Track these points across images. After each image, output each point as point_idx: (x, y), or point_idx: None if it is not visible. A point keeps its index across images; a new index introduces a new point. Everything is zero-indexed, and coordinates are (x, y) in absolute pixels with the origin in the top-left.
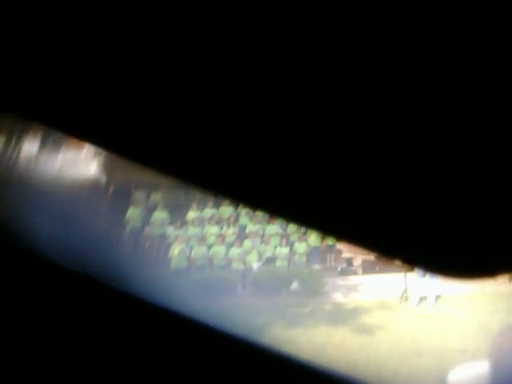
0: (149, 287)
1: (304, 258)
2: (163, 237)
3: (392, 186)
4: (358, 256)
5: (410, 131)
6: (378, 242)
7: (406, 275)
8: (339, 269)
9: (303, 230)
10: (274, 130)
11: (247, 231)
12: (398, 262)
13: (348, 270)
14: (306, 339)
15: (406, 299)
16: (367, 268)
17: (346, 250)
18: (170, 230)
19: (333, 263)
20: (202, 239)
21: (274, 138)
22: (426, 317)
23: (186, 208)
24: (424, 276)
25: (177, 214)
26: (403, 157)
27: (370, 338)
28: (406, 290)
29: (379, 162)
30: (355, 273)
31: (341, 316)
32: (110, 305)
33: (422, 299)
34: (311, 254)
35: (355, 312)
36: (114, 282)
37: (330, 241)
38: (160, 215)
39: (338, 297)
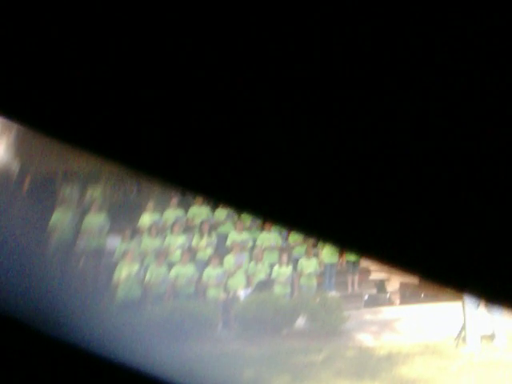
0: (84, 332)
1: (314, 282)
2: (104, 252)
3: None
4: (394, 278)
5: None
6: (419, 258)
7: (464, 305)
8: (366, 297)
9: (312, 240)
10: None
11: (229, 242)
12: (450, 288)
13: (379, 298)
14: None
15: (465, 340)
16: (407, 295)
17: (375, 269)
18: (115, 243)
19: (357, 289)
20: (163, 255)
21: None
22: (494, 365)
23: (138, 209)
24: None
25: (124, 217)
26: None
27: None
28: (464, 327)
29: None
30: (390, 302)
31: (369, 366)
32: (37, 356)
33: (486, 339)
34: (325, 275)
35: (390, 360)
36: (36, 324)
37: (351, 256)
38: (96, 220)
39: (365, 338)
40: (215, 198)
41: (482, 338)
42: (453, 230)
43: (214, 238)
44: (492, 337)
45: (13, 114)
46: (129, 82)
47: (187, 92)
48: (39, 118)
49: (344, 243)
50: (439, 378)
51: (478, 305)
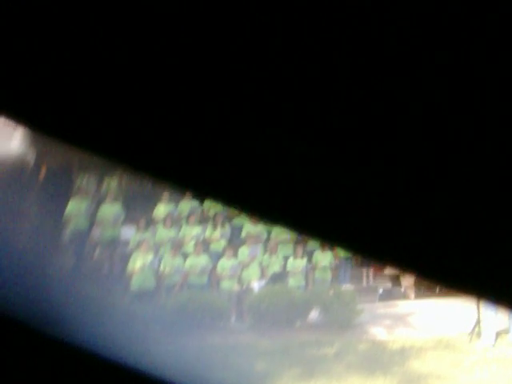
0: (96, 324)
1: (329, 275)
2: (119, 242)
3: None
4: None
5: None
6: (432, 263)
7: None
8: (381, 291)
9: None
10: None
11: (244, 234)
12: (463, 293)
13: (394, 292)
14: None
15: (479, 335)
16: (422, 290)
17: None
18: (130, 233)
19: (371, 282)
20: (177, 246)
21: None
22: (509, 360)
23: (153, 200)
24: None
25: (139, 208)
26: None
27: None
28: (478, 322)
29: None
30: (405, 297)
31: (382, 361)
32: (45, 355)
33: (500, 334)
34: (340, 268)
35: (403, 355)
36: (48, 323)
37: None
38: (111, 209)
39: (379, 332)
40: (221, 198)
41: (497, 333)
42: (466, 234)
43: (227, 230)
44: (506, 332)
45: (12, 114)
46: (131, 83)
47: (193, 93)
48: (40, 118)
49: (355, 247)
50: (452, 373)
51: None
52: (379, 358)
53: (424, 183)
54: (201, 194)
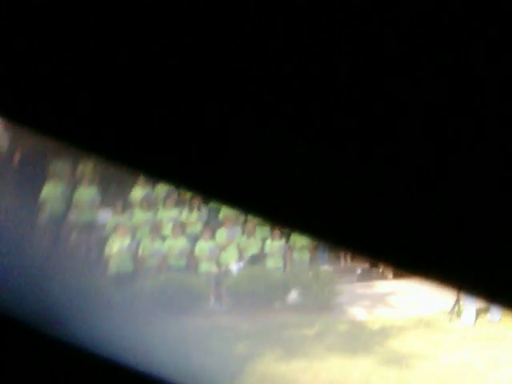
0: (75, 306)
1: (307, 255)
2: (96, 226)
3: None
4: None
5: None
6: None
7: None
8: (359, 271)
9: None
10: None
11: (221, 216)
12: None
13: (372, 272)
14: (311, 376)
15: (459, 314)
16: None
17: None
18: (107, 216)
19: (349, 263)
20: (155, 229)
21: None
22: (489, 339)
23: (129, 183)
24: None
25: (116, 191)
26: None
27: (405, 373)
28: (458, 301)
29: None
30: (383, 277)
31: (362, 341)
32: (23, 346)
33: (480, 313)
34: (318, 248)
35: (383, 334)
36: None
37: None
38: (88, 193)
39: (358, 312)
40: (220, 199)
41: (477, 312)
42: (466, 234)
43: (204, 212)
44: (486, 311)
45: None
46: (131, 83)
47: (188, 91)
48: (39, 118)
49: (340, 243)
50: (433, 352)
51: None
52: (359, 338)
53: (424, 183)
54: (201, 194)
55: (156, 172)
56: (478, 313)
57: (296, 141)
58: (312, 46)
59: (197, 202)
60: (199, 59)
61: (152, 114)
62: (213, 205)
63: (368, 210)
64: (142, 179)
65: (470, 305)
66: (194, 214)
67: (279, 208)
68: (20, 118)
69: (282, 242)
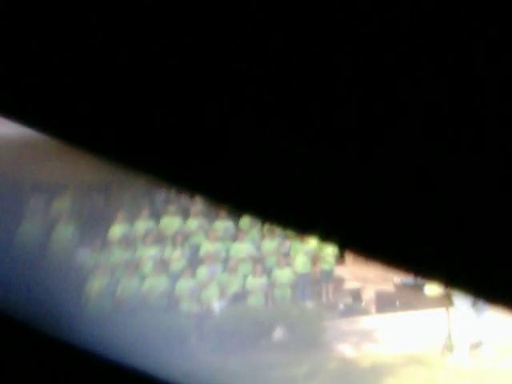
0: (54, 344)
1: (288, 292)
2: (73, 265)
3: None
4: (369, 285)
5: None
6: (399, 251)
7: (448, 311)
8: (341, 306)
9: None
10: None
11: (202, 253)
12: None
13: (355, 307)
14: None
15: (450, 349)
16: (383, 303)
17: (350, 278)
18: (85, 255)
19: (331, 298)
20: (134, 267)
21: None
22: (483, 375)
23: (107, 219)
24: (473, 307)
25: (94, 229)
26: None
27: None
28: (449, 336)
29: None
30: (366, 311)
31: (355, 379)
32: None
33: (474, 347)
34: (298, 284)
35: (376, 372)
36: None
37: (325, 264)
38: (66, 231)
39: (346, 349)
40: (220, 199)
41: (469, 346)
42: (466, 234)
43: (187, 249)
44: (479, 345)
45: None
46: (131, 83)
47: (187, 91)
48: (41, 118)
49: (327, 236)
50: None
51: (466, 311)
52: (351, 377)
53: (424, 183)
54: (201, 194)
55: (156, 172)
56: (471, 347)
57: (296, 141)
58: (312, 46)
59: (180, 238)
60: (199, 59)
61: (152, 115)
62: (193, 241)
63: (368, 210)
64: (120, 216)
65: (462, 339)
66: (178, 251)
67: (279, 208)
68: (20, 117)
69: (263, 278)
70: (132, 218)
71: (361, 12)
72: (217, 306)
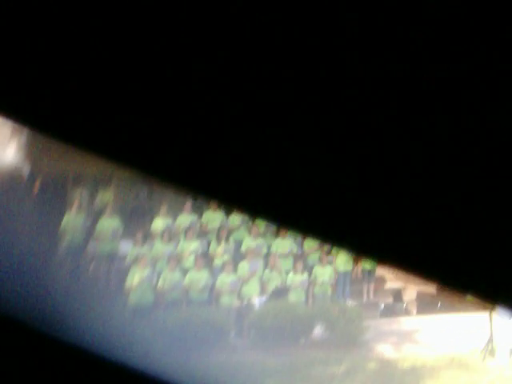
0: (96, 336)
1: (329, 290)
2: (116, 257)
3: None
4: (411, 287)
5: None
6: (440, 263)
7: (490, 315)
8: (382, 306)
9: (327, 245)
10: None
11: (244, 249)
12: (471, 297)
13: (396, 307)
14: None
15: (492, 353)
16: (424, 305)
17: (391, 278)
18: (127, 247)
19: (372, 298)
20: (176, 261)
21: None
22: None
23: (150, 213)
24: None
25: (136, 222)
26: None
27: None
28: (491, 340)
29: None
30: (407, 312)
31: (394, 380)
32: (44, 359)
33: (509, 352)
34: (339, 283)
35: (416, 374)
36: (45, 326)
37: (367, 264)
38: (110, 223)
39: (386, 349)
40: (228, 202)
41: (505, 351)
42: (466, 234)
43: (231, 244)
44: None
45: (15, 115)
46: (132, 84)
47: (198, 97)
48: (46, 120)
49: (359, 249)
50: None
51: (509, 315)
52: (391, 378)
53: (424, 183)
54: (201, 194)
55: (156, 172)
56: None
57: (296, 141)
58: (312, 47)
59: (224, 233)
60: (199, 60)
61: (152, 115)
62: (235, 237)
63: (368, 210)
64: (163, 210)
65: (504, 343)
66: (222, 246)
67: (279, 207)
68: (22, 119)
69: (305, 275)
70: (175, 212)
71: (360, 12)
72: (257, 301)
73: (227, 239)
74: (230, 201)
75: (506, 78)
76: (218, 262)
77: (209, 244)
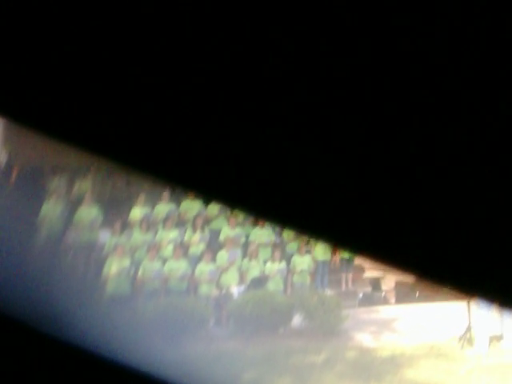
0: (74, 327)
1: (307, 279)
2: (94, 246)
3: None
4: (389, 276)
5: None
6: (416, 255)
7: (468, 305)
8: (361, 295)
9: (306, 237)
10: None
11: (222, 238)
12: (447, 288)
13: (374, 296)
14: None
15: (471, 342)
16: (403, 294)
17: (370, 267)
18: (106, 236)
19: (351, 287)
20: (154, 250)
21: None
22: (504, 368)
23: (128, 202)
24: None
25: (114, 211)
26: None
27: None
28: (469, 329)
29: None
30: (385, 301)
31: (373, 369)
32: (20, 349)
33: (493, 340)
34: (318, 272)
35: (394, 363)
36: (21, 314)
37: (345, 253)
38: (88, 213)
39: (365, 338)
40: (208, 194)
41: (490, 340)
42: (466, 234)
43: (206, 233)
44: (499, 339)
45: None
46: (132, 83)
47: (183, 86)
48: (30, 113)
49: (338, 241)
50: (449, 381)
51: (489, 306)
52: (370, 366)
53: (424, 183)
54: (201, 194)
55: (156, 172)
56: (491, 340)
57: (296, 141)
58: (312, 47)
59: (200, 222)
60: (200, 60)
61: (153, 114)
62: (214, 226)
63: (368, 210)
64: (141, 199)
65: (483, 332)
66: (197, 235)
67: (279, 207)
68: (18, 117)
69: (283, 264)
70: (153, 201)
71: (360, 13)
72: (236, 290)
73: (203, 228)
74: (228, 201)
75: (506, 77)
76: (194, 250)
77: (185, 233)
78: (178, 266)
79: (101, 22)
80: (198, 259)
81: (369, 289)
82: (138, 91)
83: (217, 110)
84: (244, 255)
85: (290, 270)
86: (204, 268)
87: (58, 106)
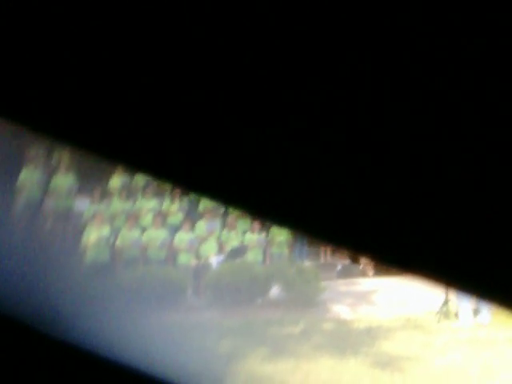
0: (52, 294)
1: (286, 250)
2: (72, 214)
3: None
4: None
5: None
6: (416, 255)
7: None
8: (339, 267)
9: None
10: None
11: (201, 208)
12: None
13: (352, 269)
14: (301, 378)
15: (447, 315)
16: (380, 267)
17: None
18: (84, 205)
19: (329, 258)
20: (134, 219)
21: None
22: (480, 342)
23: (107, 172)
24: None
25: (93, 179)
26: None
27: (397, 376)
28: (446, 302)
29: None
30: (364, 274)
31: (350, 341)
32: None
33: (471, 314)
34: (296, 243)
35: (370, 335)
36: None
37: None
38: (65, 180)
39: (342, 310)
40: (207, 194)
41: (467, 313)
42: (466, 234)
43: (185, 203)
44: (476, 312)
45: None
46: (130, 82)
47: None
48: (30, 113)
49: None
50: (424, 354)
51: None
52: (347, 338)
53: (424, 183)
54: (201, 194)
55: (155, 171)
56: (468, 314)
57: (296, 141)
58: (312, 46)
59: (178, 192)
60: (200, 60)
61: (152, 114)
62: (193, 196)
63: (368, 210)
64: (120, 168)
65: (460, 306)
66: (176, 204)
67: (279, 207)
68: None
69: (262, 235)
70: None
71: (360, 13)
72: (214, 260)
73: (181, 197)
74: (228, 201)
75: (506, 77)
76: (173, 220)
77: (163, 202)
78: (157, 235)
79: (101, 22)
80: (176, 228)
81: (347, 261)
82: (138, 91)
83: (217, 109)
84: (223, 226)
85: (268, 241)
86: (183, 237)
87: (56, 106)
